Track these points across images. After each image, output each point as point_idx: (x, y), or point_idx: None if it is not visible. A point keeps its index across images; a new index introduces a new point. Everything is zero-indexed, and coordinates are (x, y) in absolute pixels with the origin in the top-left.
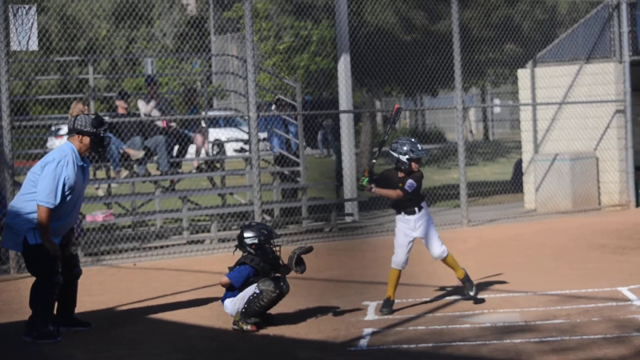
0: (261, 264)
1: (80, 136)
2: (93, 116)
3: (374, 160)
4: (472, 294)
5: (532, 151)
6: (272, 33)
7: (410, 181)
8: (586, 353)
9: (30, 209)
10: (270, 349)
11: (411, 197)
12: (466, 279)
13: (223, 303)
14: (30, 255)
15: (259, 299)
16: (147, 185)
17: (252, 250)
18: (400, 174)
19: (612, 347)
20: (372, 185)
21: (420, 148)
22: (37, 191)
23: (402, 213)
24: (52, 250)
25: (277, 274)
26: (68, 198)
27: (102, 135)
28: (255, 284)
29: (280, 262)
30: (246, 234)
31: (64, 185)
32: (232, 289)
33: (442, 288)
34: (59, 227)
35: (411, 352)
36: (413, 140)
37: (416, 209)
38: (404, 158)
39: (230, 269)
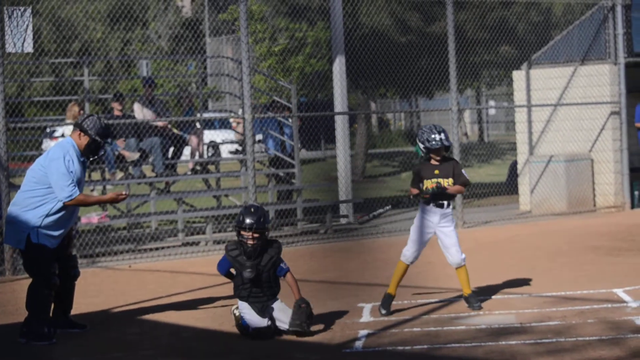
0: (234, 252)
1: (81, 134)
2: (104, 124)
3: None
4: (474, 307)
5: (527, 153)
6: (267, 35)
7: (463, 171)
8: (581, 354)
9: (32, 206)
10: (266, 350)
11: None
12: (472, 297)
13: None
14: (30, 255)
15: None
16: (142, 187)
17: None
18: (432, 162)
19: (607, 349)
20: (444, 186)
21: (437, 138)
22: (55, 191)
23: (431, 204)
24: (107, 198)
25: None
26: None
27: (100, 144)
28: (250, 327)
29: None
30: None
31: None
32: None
33: (438, 290)
34: (63, 223)
35: (406, 353)
36: (435, 129)
37: (446, 203)
38: (421, 146)
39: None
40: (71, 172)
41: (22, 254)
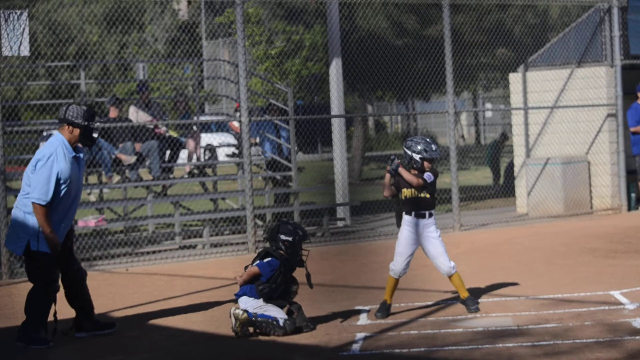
0: (284, 258)
1: (71, 127)
2: (85, 108)
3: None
4: (472, 309)
5: (524, 155)
6: (263, 38)
7: (428, 173)
8: (579, 357)
9: (30, 208)
10: (264, 354)
11: (426, 198)
12: (469, 299)
13: (238, 298)
14: (31, 261)
15: (275, 329)
16: (139, 190)
17: (282, 247)
18: (413, 171)
19: (604, 351)
20: (399, 162)
21: (434, 148)
22: (30, 189)
23: (413, 214)
24: (53, 244)
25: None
26: (64, 191)
27: (92, 128)
28: (283, 317)
29: (305, 267)
30: (282, 229)
31: (58, 180)
32: (254, 282)
33: (434, 292)
34: (60, 221)
35: (404, 356)
36: (428, 140)
37: (427, 213)
38: (417, 157)
39: (247, 267)
40: (53, 173)
41: (24, 260)
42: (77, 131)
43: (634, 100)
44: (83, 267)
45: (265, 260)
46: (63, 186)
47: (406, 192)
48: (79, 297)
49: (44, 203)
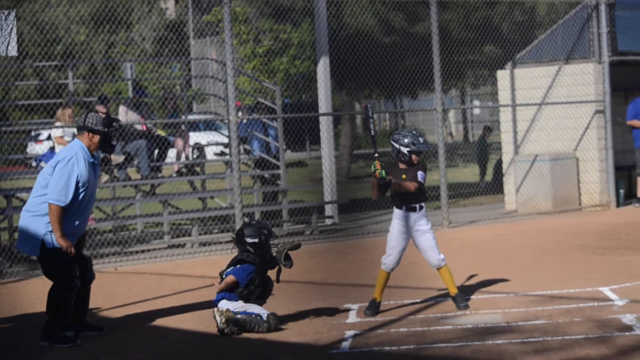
0: (257, 260)
1: (91, 134)
2: (103, 115)
3: (376, 154)
4: (461, 306)
5: (512, 152)
6: (251, 36)
7: (420, 172)
8: (568, 353)
9: (43, 211)
10: (253, 352)
11: (416, 192)
12: (458, 296)
13: (217, 304)
14: (48, 259)
15: (259, 323)
16: (128, 189)
17: (250, 249)
18: (402, 166)
19: (594, 347)
20: (390, 177)
21: (422, 141)
22: (47, 190)
23: (403, 208)
24: (66, 247)
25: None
26: (82, 195)
27: (111, 134)
28: (266, 313)
29: (280, 262)
30: (246, 232)
31: (77, 182)
32: (233, 290)
33: (424, 290)
34: (77, 226)
35: (393, 353)
36: (415, 132)
37: (418, 206)
38: (404, 150)
39: (223, 272)
40: (73, 175)
41: (40, 260)
42: (97, 138)
43: (621, 97)
44: (93, 271)
45: (239, 266)
46: (82, 190)
47: (396, 187)
48: (80, 297)
49: (62, 204)
